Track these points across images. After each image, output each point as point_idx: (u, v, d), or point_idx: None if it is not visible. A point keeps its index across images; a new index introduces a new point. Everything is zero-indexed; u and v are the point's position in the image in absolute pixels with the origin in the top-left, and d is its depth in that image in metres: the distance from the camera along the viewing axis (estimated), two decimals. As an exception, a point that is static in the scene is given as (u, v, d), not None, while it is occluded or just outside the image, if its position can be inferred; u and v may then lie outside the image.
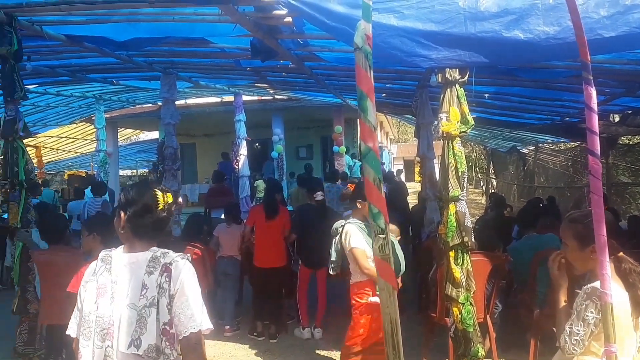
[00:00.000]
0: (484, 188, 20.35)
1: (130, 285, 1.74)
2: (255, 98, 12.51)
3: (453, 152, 3.27)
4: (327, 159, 16.29)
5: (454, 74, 3.25)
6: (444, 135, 3.28)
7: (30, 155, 4.70)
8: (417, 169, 17.50)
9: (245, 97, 10.42)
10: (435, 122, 3.89)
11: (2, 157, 4.40)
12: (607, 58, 4.11)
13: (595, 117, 1.79)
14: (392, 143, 36.06)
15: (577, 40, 1.86)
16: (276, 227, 5.43)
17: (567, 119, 7.42)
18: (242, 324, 5.64)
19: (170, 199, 1.82)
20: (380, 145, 23.24)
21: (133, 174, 25.67)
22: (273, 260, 5.35)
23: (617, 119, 7.01)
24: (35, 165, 11.06)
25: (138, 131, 20.14)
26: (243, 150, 10.08)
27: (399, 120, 19.84)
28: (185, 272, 1.75)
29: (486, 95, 6.48)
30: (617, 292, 1.84)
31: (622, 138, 10.11)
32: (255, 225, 5.47)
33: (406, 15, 3.16)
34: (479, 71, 3.84)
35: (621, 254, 1.97)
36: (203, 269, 5.62)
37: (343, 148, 13.82)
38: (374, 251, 0.99)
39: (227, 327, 5.50)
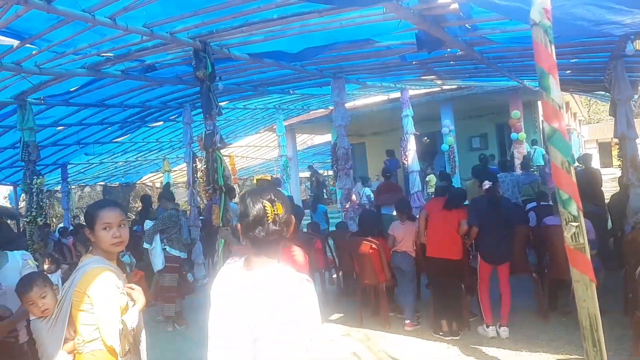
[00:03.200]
0: None
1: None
2: (422, 91, 12.34)
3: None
4: (505, 147, 15.24)
5: (658, 37, 2.77)
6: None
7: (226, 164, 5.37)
8: (614, 152, 15.36)
9: (411, 92, 10.35)
10: (637, 96, 3.37)
11: (205, 166, 5.10)
12: None
13: None
14: (582, 125, 32.14)
15: None
16: (452, 218, 5.27)
17: None
18: (422, 319, 5.61)
19: (280, 211, 1.64)
20: (567, 127, 20.92)
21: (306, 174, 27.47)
22: (446, 252, 5.20)
23: None
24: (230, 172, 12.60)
25: (312, 135, 21.46)
26: (411, 145, 10.03)
27: (589, 98, 17.64)
28: (310, 297, 1.63)
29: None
30: None
31: None
32: (429, 215, 5.40)
33: (591, -21, 2.80)
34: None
35: None
36: (380, 263, 5.75)
37: (523, 134, 12.78)
38: (566, 240, 0.90)
39: (408, 321, 5.53)
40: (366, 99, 12.70)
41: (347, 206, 7.51)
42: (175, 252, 6.34)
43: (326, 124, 15.23)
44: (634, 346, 4.01)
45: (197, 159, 8.99)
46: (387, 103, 13.01)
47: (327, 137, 19.66)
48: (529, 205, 7.38)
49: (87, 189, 20.92)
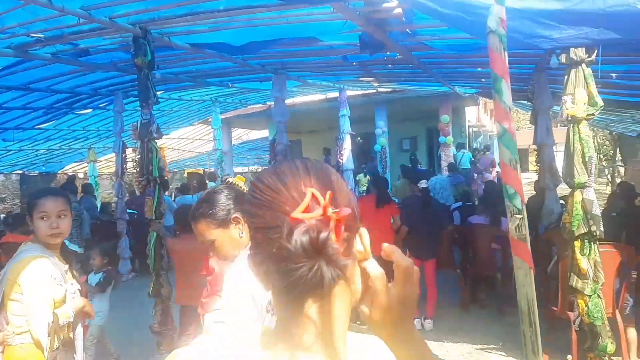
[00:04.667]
0: (609, 177, 18.60)
1: None
2: (359, 92, 12.62)
3: (579, 136, 3.07)
4: (433, 150, 15.93)
5: (580, 53, 3.05)
6: (569, 118, 3.09)
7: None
8: (532, 158, 16.46)
9: (348, 92, 10.58)
10: (557, 106, 3.68)
11: (139, 156, 4.94)
12: None
13: None
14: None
15: None
16: (383, 216, 5.48)
17: None
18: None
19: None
20: (490, 134, 22.19)
21: (244, 170, 27.19)
22: (379, 249, 5.38)
23: None
24: (161, 164, 12.18)
25: (248, 130, 21.26)
26: (347, 145, 10.26)
27: (513, 106, 18.75)
28: None
29: (614, 75, 5.94)
30: None
31: None
32: (362, 213, 5.55)
33: (524, -5, 3.03)
34: (607, 48, 3.55)
35: None
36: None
37: (450, 138, 13.43)
38: (511, 231, 1.00)
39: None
40: (304, 97, 12.79)
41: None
42: (74, 247, 6.10)
43: (264, 119, 15.13)
44: (543, 335, 4.37)
45: (127, 149, 8.67)
46: (325, 102, 13.18)
47: (264, 133, 19.55)
48: (454, 205, 7.83)
49: (0, 177, 19.46)
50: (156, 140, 4.92)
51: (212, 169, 14.23)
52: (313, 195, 0.70)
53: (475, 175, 12.98)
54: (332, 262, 0.68)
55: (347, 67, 6.88)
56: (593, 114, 3.07)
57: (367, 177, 12.08)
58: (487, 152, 14.66)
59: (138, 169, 5.01)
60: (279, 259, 0.69)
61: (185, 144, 18.62)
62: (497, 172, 13.67)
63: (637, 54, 4.60)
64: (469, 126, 17.35)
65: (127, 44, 4.83)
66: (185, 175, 21.22)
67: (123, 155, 8.45)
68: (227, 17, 4.13)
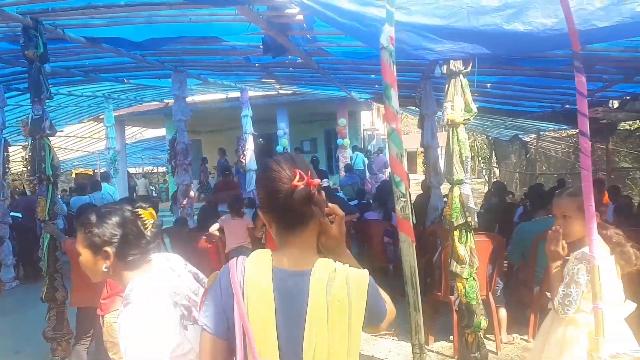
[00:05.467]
0: (486, 177, 20.57)
1: None
2: (260, 93, 12.74)
3: (457, 138, 3.49)
4: (332, 151, 16.52)
5: (458, 65, 3.47)
6: (449, 123, 3.51)
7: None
8: (419, 160, 17.70)
9: (250, 93, 10.66)
10: (440, 112, 4.12)
11: (30, 154, 4.64)
12: (604, 46, 4.32)
13: (585, 102, 2.02)
14: (394, 135, 36.18)
15: (568, 31, 2.08)
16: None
17: (568, 106, 7.62)
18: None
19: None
20: (383, 137, 23.44)
21: (138, 171, 25.94)
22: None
23: (616, 105, 7.20)
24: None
25: (144, 129, 20.37)
26: (250, 145, 10.35)
27: (401, 112, 20.02)
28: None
29: (488, 84, 6.69)
30: (603, 255, 2.08)
31: (623, 124, 10.30)
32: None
33: (413, 11, 3.37)
34: (481, 62, 4.04)
35: (602, 221, 2.22)
36: (218, 258, 5.89)
37: (347, 141, 14.04)
38: (397, 212, 1.23)
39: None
40: (204, 95, 12.60)
41: (185, 202, 7.45)
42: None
43: (160, 117, 14.64)
44: (429, 319, 4.82)
45: (9, 147, 8.01)
46: (226, 102, 13.11)
47: (161, 132, 18.87)
48: (352, 203, 8.28)
49: None
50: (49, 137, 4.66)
51: (104, 169, 13.49)
52: (300, 174, 1.26)
53: (369, 175, 13.73)
54: (317, 205, 1.28)
55: (250, 68, 6.99)
56: (469, 119, 3.51)
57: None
58: (380, 154, 15.52)
59: (29, 168, 4.71)
60: (284, 207, 1.27)
61: (74, 142, 17.41)
62: (389, 172, 14.56)
63: (506, 66, 5.27)
64: (363, 129, 18.24)
65: (13, 34, 4.53)
66: (73, 176, 19.82)
67: (5, 153, 7.77)
68: (127, 13, 4.06)
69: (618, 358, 2.15)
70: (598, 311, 2.00)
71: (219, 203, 9.33)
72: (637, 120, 9.28)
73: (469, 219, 3.45)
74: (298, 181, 1.26)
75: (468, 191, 3.52)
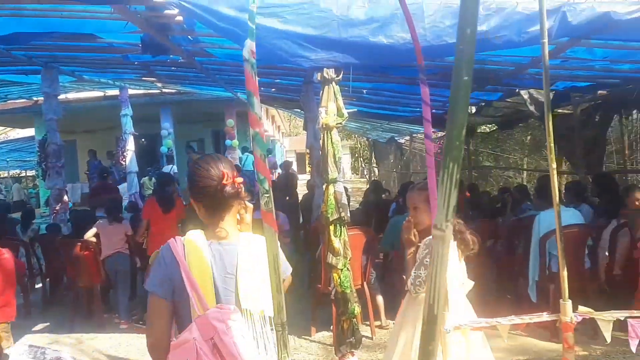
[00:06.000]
0: (367, 177, 21.75)
1: None
2: (142, 92, 12.24)
3: (331, 141, 3.77)
4: (220, 152, 16.35)
5: (331, 73, 3.74)
6: (323, 126, 3.77)
7: None
8: (307, 160, 18.24)
9: (131, 91, 10.22)
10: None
11: None
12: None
13: (429, 110, 2.36)
14: (284, 136, 36.69)
15: (415, 47, 2.40)
16: (172, 218, 5.62)
17: (434, 110, 8.40)
18: (139, 316, 5.75)
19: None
20: (272, 138, 23.69)
21: (3, 175, 23.44)
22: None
23: (474, 110, 8.11)
24: None
25: (8, 129, 18.48)
26: (130, 146, 9.92)
27: (290, 114, 20.42)
28: None
29: (364, 91, 7.19)
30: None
31: (482, 127, 11.59)
32: (151, 218, 5.60)
33: (288, 19, 3.59)
34: (356, 69, 4.38)
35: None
36: (95, 264, 5.63)
37: (236, 142, 14.00)
38: (261, 206, 1.39)
39: (123, 320, 5.58)
40: (79, 93, 11.81)
41: (58, 208, 6.98)
42: None
43: (29, 116, 13.44)
44: (312, 311, 5.11)
45: None
46: (104, 100, 12.39)
47: (29, 132, 17.26)
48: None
49: None
50: None
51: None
52: (227, 174, 1.67)
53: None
54: (241, 198, 1.72)
55: (129, 66, 6.76)
56: (341, 123, 3.81)
57: (153, 179, 11.82)
58: (269, 155, 15.72)
59: None
60: (213, 199, 1.68)
61: None
62: (279, 173, 14.80)
63: (379, 74, 5.73)
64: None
65: None
66: None
67: None
68: (-13, 4, 3.77)
69: (460, 329, 2.53)
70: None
71: (96, 207, 8.86)
72: (493, 124, 10.51)
73: (343, 214, 3.74)
74: (226, 181, 1.66)
75: (341, 188, 3.82)
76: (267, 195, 1.43)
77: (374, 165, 20.12)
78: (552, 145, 2.33)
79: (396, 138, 15.27)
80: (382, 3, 3.61)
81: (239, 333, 1.58)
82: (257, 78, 1.49)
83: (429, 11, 3.61)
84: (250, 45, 1.47)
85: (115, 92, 10.35)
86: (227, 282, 1.67)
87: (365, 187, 20.29)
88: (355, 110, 9.15)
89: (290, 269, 1.91)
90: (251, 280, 1.67)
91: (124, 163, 10.28)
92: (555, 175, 2.30)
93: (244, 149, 14.74)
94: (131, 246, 5.74)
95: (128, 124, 9.82)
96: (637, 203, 4.51)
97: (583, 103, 6.92)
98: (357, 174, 28.12)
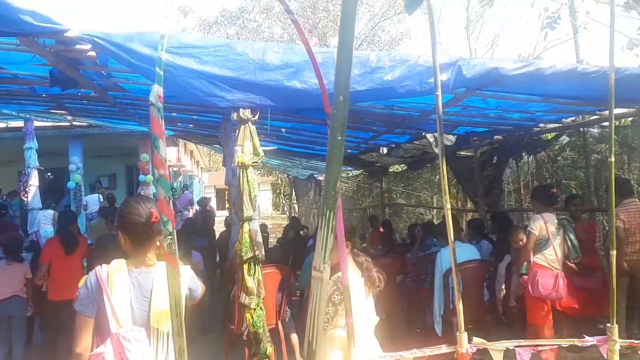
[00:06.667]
0: (288, 213, 21.84)
1: None
2: (50, 124, 11.60)
3: (247, 179, 3.83)
4: (133, 188, 15.72)
5: (247, 113, 3.83)
6: (239, 165, 3.83)
7: None
8: (227, 197, 18.03)
9: (37, 123, 9.66)
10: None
11: None
12: (369, 104, 5.20)
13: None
14: (204, 172, 36.02)
15: (322, 95, 2.55)
16: (76, 259, 5.34)
17: (349, 150, 8.76)
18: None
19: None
20: (190, 173, 23.17)
21: None
22: (72, 292, 5.21)
23: (385, 151, 8.55)
24: None
25: None
26: (34, 181, 9.31)
27: (209, 149, 20.17)
28: None
29: (283, 129, 7.34)
30: (354, 278, 2.56)
31: (395, 167, 12.20)
32: (52, 260, 5.28)
33: (205, 60, 3.66)
34: (275, 109, 4.51)
35: (355, 250, 2.74)
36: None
37: (150, 177, 13.54)
38: (164, 248, 1.41)
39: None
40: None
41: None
42: None
43: None
44: (225, 354, 5.00)
45: None
46: (6, 131, 11.57)
47: None
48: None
49: None
50: None
51: None
52: (155, 214, 2.00)
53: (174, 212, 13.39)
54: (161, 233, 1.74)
55: (36, 98, 6.43)
56: (257, 162, 3.88)
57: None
58: (186, 191, 15.36)
59: None
60: (139, 234, 2.03)
61: None
62: (195, 209, 14.46)
63: (296, 115, 5.91)
64: (169, 166, 17.85)
65: None
66: None
67: None
68: None
69: (367, 363, 2.63)
70: (350, 325, 2.43)
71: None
72: (403, 164, 11.10)
73: (257, 252, 3.77)
74: (154, 220, 2.00)
75: (256, 227, 3.85)
76: (170, 237, 1.46)
77: (294, 201, 20.29)
78: (447, 187, 2.56)
79: (315, 175, 15.59)
80: (296, 50, 3.79)
81: (141, 351, 1.89)
82: (163, 122, 1.53)
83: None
84: (157, 90, 1.52)
85: (19, 123, 9.72)
86: (142, 304, 2.00)
87: (285, 223, 20.37)
88: (275, 147, 9.30)
89: (201, 288, 2.32)
90: (163, 303, 1.93)
91: (26, 199, 9.59)
92: (450, 215, 2.51)
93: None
94: (29, 290, 5.32)
95: (32, 158, 9.24)
96: (520, 243, 4.85)
97: (483, 146, 7.55)
98: (278, 210, 28.12)
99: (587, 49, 10.80)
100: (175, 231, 1.47)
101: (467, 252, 4.94)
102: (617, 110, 5.83)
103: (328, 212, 0.78)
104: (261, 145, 4.12)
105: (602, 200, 7.31)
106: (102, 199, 11.62)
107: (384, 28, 19.58)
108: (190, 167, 22.15)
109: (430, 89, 3.88)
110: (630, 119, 6.73)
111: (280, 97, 3.90)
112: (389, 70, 3.74)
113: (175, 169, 20.29)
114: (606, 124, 5.92)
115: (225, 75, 3.66)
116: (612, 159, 2.49)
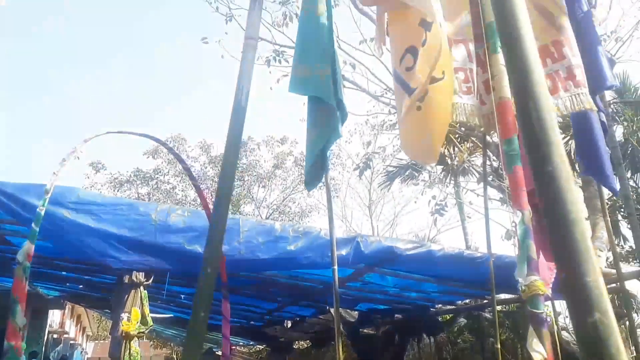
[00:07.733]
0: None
1: None
2: None
3: (129, 352, 3.45)
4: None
5: (140, 276, 3.63)
6: (123, 334, 3.48)
7: None
8: None
9: None
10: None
11: None
12: (274, 272, 5.15)
13: (229, 326, 2.38)
14: (90, 340, 32.16)
15: (219, 267, 2.51)
16: None
17: (252, 322, 8.36)
18: None
19: None
20: (72, 342, 20.58)
21: None
22: None
23: (290, 324, 8.26)
24: None
25: None
26: None
27: (100, 314, 18.39)
28: None
29: (182, 296, 6.95)
30: None
31: (300, 343, 11.69)
32: None
33: (103, 218, 3.54)
34: (174, 274, 4.30)
35: None
36: None
37: (22, 344, 11.84)
38: None
39: None
40: None
41: None
42: None
43: None
44: None
45: None
46: None
47: None
48: None
49: None
50: None
51: None
52: None
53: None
54: None
55: None
56: (144, 332, 3.55)
57: None
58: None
59: None
60: None
61: None
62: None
63: (196, 281, 5.66)
64: (49, 332, 15.85)
65: None
66: None
67: None
68: None
69: None
70: None
71: None
72: (308, 340, 10.70)
73: None
74: None
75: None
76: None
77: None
78: (341, 366, 2.45)
79: (215, 349, 14.43)
80: (201, 215, 3.81)
81: None
82: (27, 284, 1.39)
83: (244, 226, 3.89)
84: (28, 248, 1.41)
85: None
86: None
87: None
88: (172, 315, 8.67)
89: None
90: None
91: None
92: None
93: (31, 355, 12.47)
94: None
95: None
96: None
97: (385, 325, 7.55)
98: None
99: (476, 235, 11.94)
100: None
101: None
102: (504, 295, 6.24)
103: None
104: (157, 312, 3.84)
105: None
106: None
107: (294, 200, 20.62)
108: (74, 334, 19.83)
109: (330, 262, 3.98)
110: (517, 304, 7.17)
111: (179, 260, 3.77)
112: (292, 241, 3.82)
113: (55, 335, 18.01)
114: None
115: (123, 235, 3.54)
116: (498, 346, 2.57)
